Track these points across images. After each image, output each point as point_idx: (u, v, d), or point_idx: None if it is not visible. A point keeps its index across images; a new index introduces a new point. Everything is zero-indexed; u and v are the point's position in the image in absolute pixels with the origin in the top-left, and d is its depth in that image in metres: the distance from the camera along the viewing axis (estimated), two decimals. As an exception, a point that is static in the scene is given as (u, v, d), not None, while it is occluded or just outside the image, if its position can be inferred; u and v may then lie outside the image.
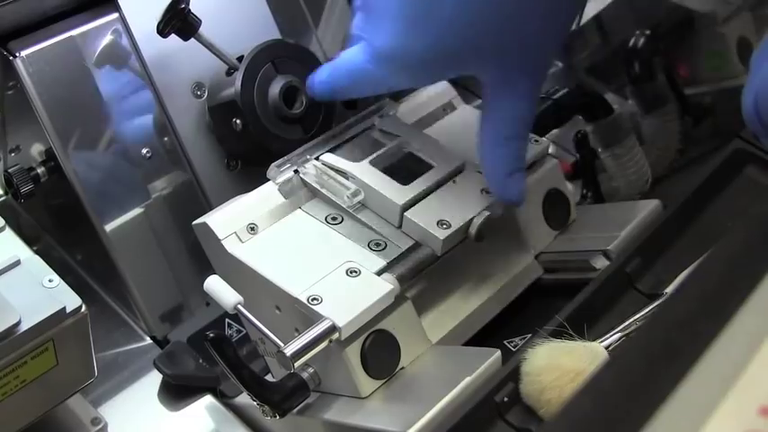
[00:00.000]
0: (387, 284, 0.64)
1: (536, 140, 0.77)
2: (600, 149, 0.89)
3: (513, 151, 0.68)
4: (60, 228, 0.87)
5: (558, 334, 0.62)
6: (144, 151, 0.79)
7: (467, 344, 0.71)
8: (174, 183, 0.80)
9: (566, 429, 0.33)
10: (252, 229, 0.68)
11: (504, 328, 0.73)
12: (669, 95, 0.97)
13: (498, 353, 0.64)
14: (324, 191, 0.71)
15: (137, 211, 0.79)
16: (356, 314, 0.62)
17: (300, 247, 0.68)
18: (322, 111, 0.79)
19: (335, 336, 0.61)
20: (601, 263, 0.73)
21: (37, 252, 0.66)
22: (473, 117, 0.78)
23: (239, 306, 0.63)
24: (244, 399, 0.73)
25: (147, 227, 0.79)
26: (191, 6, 0.74)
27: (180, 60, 0.80)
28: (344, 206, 0.70)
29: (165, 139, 0.80)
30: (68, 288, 0.63)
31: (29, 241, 0.68)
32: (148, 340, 0.80)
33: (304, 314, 0.63)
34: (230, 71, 0.79)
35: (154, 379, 0.77)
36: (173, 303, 0.80)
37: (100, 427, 0.72)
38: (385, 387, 0.65)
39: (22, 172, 0.77)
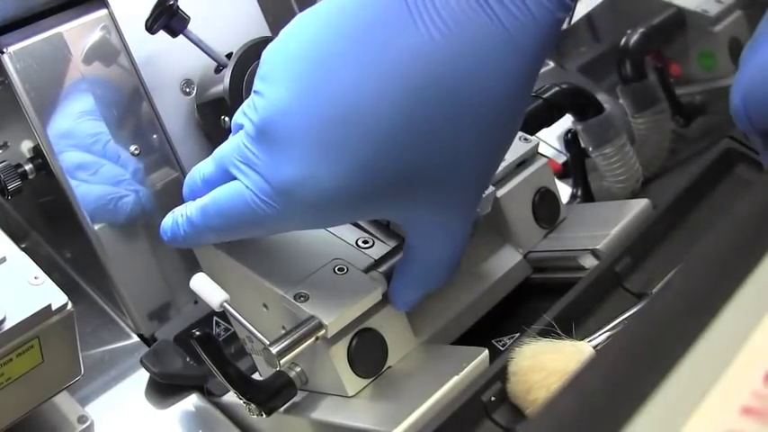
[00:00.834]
0: (374, 282, 0.64)
1: (526, 139, 0.77)
2: (590, 148, 0.89)
3: (423, 292, 0.65)
4: (48, 225, 0.86)
5: (546, 333, 0.62)
6: (132, 148, 0.79)
7: (455, 343, 0.71)
8: (162, 180, 0.80)
9: (548, 428, 0.33)
10: (239, 226, 0.68)
11: (492, 328, 0.73)
12: (660, 95, 0.97)
13: (486, 352, 0.64)
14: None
15: (125, 208, 0.78)
16: (343, 312, 0.62)
17: (288, 245, 0.67)
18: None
19: (322, 333, 0.61)
20: (590, 262, 0.73)
21: (24, 249, 0.66)
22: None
23: (225, 303, 0.63)
24: (231, 397, 0.72)
25: (135, 224, 0.79)
26: (179, 3, 0.74)
27: (169, 57, 0.79)
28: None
29: (154, 136, 0.80)
30: (54, 285, 0.63)
31: (16, 238, 0.67)
32: (136, 338, 0.80)
33: (291, 312, 0.63)
34: (219, 68, 0.78)
35: (141, 377, 0.77)
36: (160, 301, 0.80)
37: (86, 425, 0.71)
38: (372, 386, 0.64)
39: (9, 169, 0.76)
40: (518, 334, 0.70)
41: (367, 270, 0.66)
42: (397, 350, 0.66)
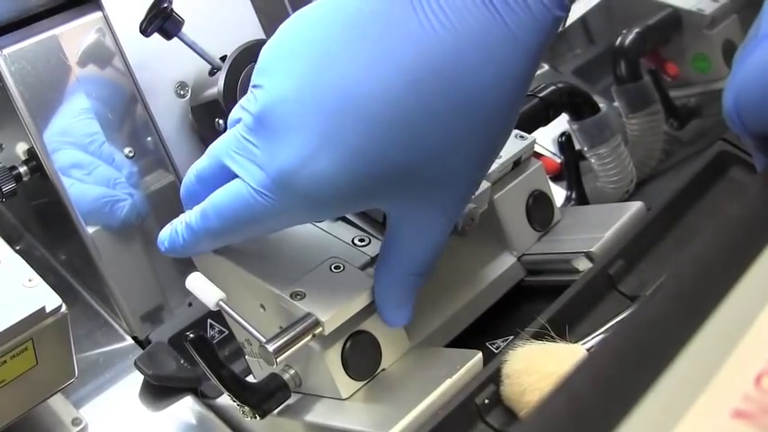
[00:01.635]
0: (371, 279, 0.64)
1: (522, 137, 0.77)
2: (585, 148, 0.89)
3: (410, 288, 0.63)
4: (42, 227, 0.86)
5: (540, 336, 0.62)
6: (126, 151, 0.79)
7: (449, 345, 0.71)
8: (156, 183, 0.80)
9: (538, 430, 0.33)
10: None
11: (486, 330, 0.73)
12: (654, 96, 0.97)
13: (479, 355, 0.64)
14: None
15: (119, 212, 0.78)
16: (340, 309, 0.61)
17: (283, 245, 0.67)
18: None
19: (319, 330, 0.61)
20: (584, 265, 0.73)
21: (19, 252, 0.66)
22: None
23: (221, 302, 0.63)
24: (225, 399, 0.72)
25: (129, 227, 0.79)
26: (174, 6, 0.74)
27: (163, 60, 0.79)
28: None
29: (148, 138, 0.80)
30: (48, 288, 0.63)
31: (10, 240, 0.68)
32: (130, 341, 0.80)
33: (288, 311, 0.63)
34: (213, 71, 0.78)
35: (135, 379, 0.77)
36: (154, 304, 0.80)
37: (81, 427, 0.72)
38: (366, 388, 0.64)
39: (3, 171, 0.76)
40: (512, 336, 0.70)
41: (363, 267, 0.65)
42: (391, 353, 0.66)
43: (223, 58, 0.77)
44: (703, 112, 1.02)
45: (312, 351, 0.63)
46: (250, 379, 0.69)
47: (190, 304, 0.81)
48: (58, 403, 0.73)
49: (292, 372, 0.65)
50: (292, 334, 0.60)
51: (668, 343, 0.35)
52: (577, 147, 0.89)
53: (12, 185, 0.76)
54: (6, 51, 0.75)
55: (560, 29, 0.56)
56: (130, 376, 0.77)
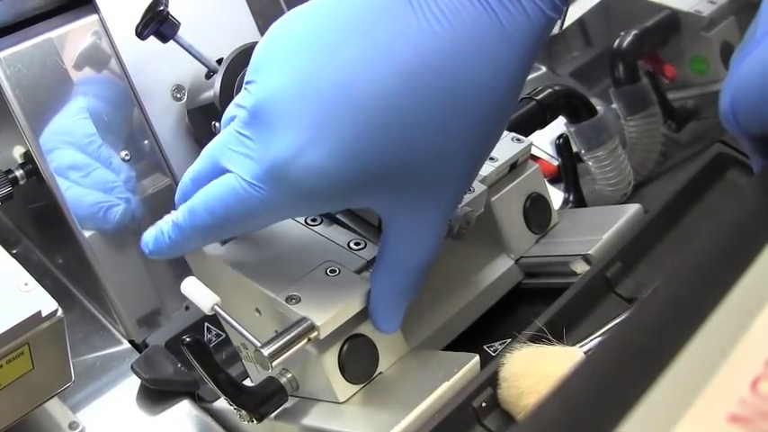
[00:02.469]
0: (366, 283, 0.64)
1: (518, 140, 0.77)
2: (583, 151, 0.89)
3: (404, 295, 0.63)
4: (39, 231, 0.86)
5: (537, 339, 0.62)
6: (123, 154, 0.79)
7: (446, 349, 0.71)
8: (153, 186, 0.80)
9: (534, 434, 0.33)
10: (230, 231, 0.68)
11: (483, 333, 0.73)
12: (652, 98, 0.97)
13: (477, 358, 0.63)
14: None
15: (115, 216, 0.78)
16: (335, 313, 0.61)
17: (279, 249, 0.67)
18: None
19: (314, 334, 0.60)
20: (581, 267, 0.73)
21: (15, 255, 0.66)
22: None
23: (216, 306, 0.63)
24: (222, 403, 0.72)
25: (125, 230, 0.79)
26: (170, 9, 0.74)
27: (159, 63, 0.79)
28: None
29: (145, 141, 0.80)
30: (44, 292, 0.63)
31: (7, 244, 0.68)
32: (127, 344, 0.80)
33: (284, 315, 0.63)
34: (210, 74, 0.78)
35: (132, 383, 0.77)
36: (151, 307, 0.80)
37: (77, 431, 0.71)
38: (363, 392, 0.64)
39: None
40: (509, 339, 0.70)
41: (359, 271, 0.65)
42: (388, 356, 0.66)
43: (219, 61, 0.77)
44: (701, 114, 1.02)
45: (309, 355, 0.63)
46: (247, 383, 0.69)
47: (187, 308, 0.80)
48: (55, 407, 0.73)
49: (289, 375, 0.65)
50: (287, 338, 0.60)
51: (665, 346, 0.35)
52: (575, 149, 0.89)
53: (8, 189, 0.76)
54: (2, 55, 0.74)
55: (557, 30, 0.56)
56: (127, 380, 0.77)
